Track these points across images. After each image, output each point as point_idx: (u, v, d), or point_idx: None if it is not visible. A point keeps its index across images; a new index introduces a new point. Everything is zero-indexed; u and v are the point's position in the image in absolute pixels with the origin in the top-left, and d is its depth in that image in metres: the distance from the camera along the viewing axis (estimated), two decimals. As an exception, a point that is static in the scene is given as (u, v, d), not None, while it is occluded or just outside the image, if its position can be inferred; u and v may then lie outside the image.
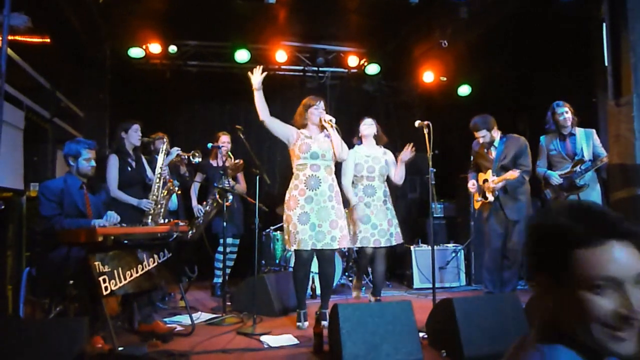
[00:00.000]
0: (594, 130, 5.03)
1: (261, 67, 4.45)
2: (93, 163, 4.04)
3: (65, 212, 3.84)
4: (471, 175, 5.35)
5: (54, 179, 4.29)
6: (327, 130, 4.48)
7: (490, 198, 5.03)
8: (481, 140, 5.09)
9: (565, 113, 4.97)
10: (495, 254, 5.02)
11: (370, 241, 4.96)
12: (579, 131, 5.01)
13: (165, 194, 4.73)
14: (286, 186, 4.54)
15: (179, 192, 5.04)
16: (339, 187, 4.64)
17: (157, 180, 4.74)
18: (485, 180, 5.13)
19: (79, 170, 3.98)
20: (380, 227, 4.99)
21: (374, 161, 5.08)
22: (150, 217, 4.61)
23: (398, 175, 5.14)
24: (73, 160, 3.98)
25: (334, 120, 4.46)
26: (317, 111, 4.50)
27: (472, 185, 5.23)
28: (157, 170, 4.78)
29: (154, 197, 4.71)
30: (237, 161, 5.86)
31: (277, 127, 4.50)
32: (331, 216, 4.38)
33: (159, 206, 4.70)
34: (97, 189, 4.23)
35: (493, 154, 5.10)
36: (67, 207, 3.86)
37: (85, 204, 3.97)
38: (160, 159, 4.83)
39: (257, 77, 4.40)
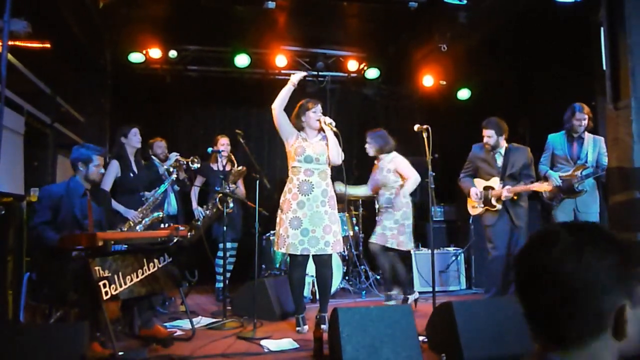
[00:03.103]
0: (602, 139, 5.02)
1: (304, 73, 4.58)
2: (102, 170, 4.09)
3: (61, 220, 3.83)
4: (468, 180, 5.31)
5: (57, 184, 4.28)
6: (325, 132, 4.45)
7: (499, 206, 5.03)
8: (485, 139, 5.09)
9: (583, 120, 4.98)
10: (501, 261, 5.00)
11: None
12: (588, 137, 5.02)
13: (150, 216, 4.73)
14: (286, 190, 4.53)
15: (161, 219, 5.05)
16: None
17: (152, 203, 4.78)
18: (489, 188, 5.11)
19: (87, 176, 3.97)
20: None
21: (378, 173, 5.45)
22: (126, 226, 4.59)
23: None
24: (83, 165, 3.96)
25: (333, 123, 4.46)
26: (316, 115, 4.46)
27: (475, 194, 5.19)
28: (158, 194, 4.82)
29: (142, 214, 4.73)
30: (239, 168, 5.86)
31: (283, 122, 4.45)
32: (324, 221, 4.36)
33: (140, 222, 4.70)
34: (101, 198, 4.23)
35: (498, 161, 5.11)
36: (63, 214, 3.84)
37: (87, 212, 3.96)
38: (162, 188, 4.89)
39: (298, 76, 4.47)
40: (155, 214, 4.70)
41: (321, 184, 4.41)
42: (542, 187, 4.89)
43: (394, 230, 5.25)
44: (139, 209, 4.77)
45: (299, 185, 4.37)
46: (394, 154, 5.43)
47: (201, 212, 5.89)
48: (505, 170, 5.05)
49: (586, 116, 4.98)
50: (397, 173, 5.35)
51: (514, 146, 5.14)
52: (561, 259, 1.00)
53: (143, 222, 4.66)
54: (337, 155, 4.44)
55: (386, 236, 5.26)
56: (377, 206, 5.49)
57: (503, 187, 4.98)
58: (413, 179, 5.29)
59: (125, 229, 4.48)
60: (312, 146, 4.42)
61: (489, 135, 5.08)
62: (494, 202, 5.04)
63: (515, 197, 4.98)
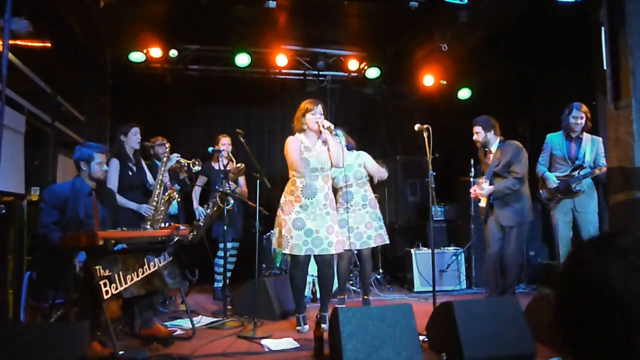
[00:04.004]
0: (600, 139, 5.02)
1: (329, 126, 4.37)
2: (105, 167, 4.08)
3: (66, 220, 3.83)
4: (475, 181, 5.36)
5: (62, 183, 4.25)
6: (325, 136, 4.40)
7: (482, 204, 5.05)
8: (474, 137, 5.10)
9: (580, 119, 4.97)
10: (494, 258, 5.00)
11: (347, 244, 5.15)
12: (587, 137, 5.02)
13: (165, 199, 4.75)
14: (286, 190, 4.52)
15: (179, 199, 5.06)
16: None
17: (158, 186, 4.77)
18: None
19: (91, 174, 3.98)
20: (357, 230, 5.14)
21: (347, 169, 5.11)
22: (149, 222, 4.62)
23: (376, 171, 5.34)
24: (85, 164, 3.96)
25: (332, 126, 4.42)
26: (315, 117, 4.38)
27: (472, 192, 5.20)
28: (159, 176, 4.81)
29: (154, 202, 4.73)
30: (239, 165, 5.86)
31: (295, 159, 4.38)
32: (327, 222, 4.35)
33: (159, 212, 4.72)
34: (106, 198, 4.23)
35: (491, 158, 5.10)
36: (69, 214, 3.85)
37: (92, 212, 3.95)
38: (162, 165, 4.86)
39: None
40: (168, 192, 4.72)
41: (324, 187, 4.41)
42: (478, 187, 5.00)
43: (383, 227, 5.27)
44: (149, 201, 4.78)
45: (302, 189, 4.35)
46: (359, 152, 5.37)
47: (202, 212, 5.89)
48: (491, 168, 5.03)
49: (583, 115, 4.97)
50: (364, 168, 5.27)
51: (505, 142, 5.05)
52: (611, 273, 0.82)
53: (159, 208, 4.69)
54: (338, 159, 4.40)
55: (382, 236, 5.23)
56: (347, 204, 5.16)
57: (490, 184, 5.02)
58: (383, 174, 5.34)
59: (149, 226, 4.51)
60: (315, 156, 4.38)
61: (476, 132, 5.08)
62: (480, 198, 5.07)
63: (497, 196, 4.94)
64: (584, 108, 5.00)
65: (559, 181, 4.98)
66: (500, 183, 4.91)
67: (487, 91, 7.35)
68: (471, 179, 5.56)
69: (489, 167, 5.06)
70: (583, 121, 4.98)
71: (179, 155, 5.08)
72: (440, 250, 6.62)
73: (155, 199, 4.75)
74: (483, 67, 7.17)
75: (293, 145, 4.40)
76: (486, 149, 5.12)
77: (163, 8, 6.12)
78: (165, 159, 4.91)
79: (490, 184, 4.98)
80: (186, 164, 5.16)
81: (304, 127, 4.44)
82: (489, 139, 5.05)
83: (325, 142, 4.44)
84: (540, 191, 5.18)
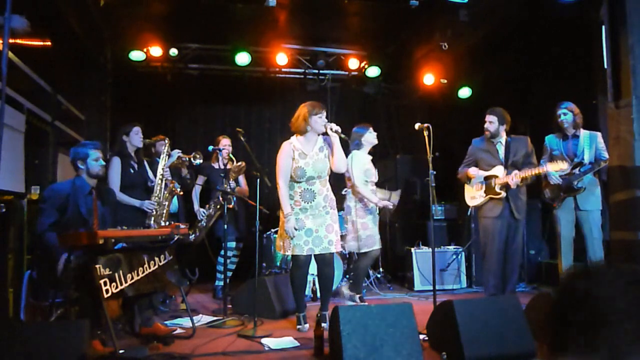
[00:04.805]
0: (599, 134, 5.01)
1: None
2: (102, 162, 4.07)
3: (67, 219, 3.83)
4: (466, 168, 5.24)
5: (62, 182, 4.25)
6: (330, 138, 4.34)
7: (503, 193, 4.95)
8: (486, 125, 5.05)
9: (564, 115, 4.98)
10: (500, 256, 4.97)
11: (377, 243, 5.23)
12: (584, 133, 5.01)
13: (167, 195, 4.76)
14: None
15: (181, 193, 5.08)
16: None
17: (159, 182, 4.79)
18: (492, 177, 5.02)
19: (89, 172, 3.98)
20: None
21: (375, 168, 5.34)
22: (152, 218, 4.65)
23: None
24: (82, 163, 3.97)
25: (340, 129, 4.36)
26: (322, 120, 4.34)
27: (478, 187, 5.13)
28: (159, 172, 4.82)
29: (157, 198, 4.75)
30: (239, 163, 5.86)
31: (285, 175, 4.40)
32: (327, 221, 4.37)
33: (161, 207, 4.74)
34: (106, 197, 4.23)
35: (500, 150, 5.07)
36: (70, 213, 3.85)
37: (92, 210, 3.95)
38: (162, 160, 4.87)
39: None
40: (169, 186, 4.75)
41: (322, 190, 4.40)
42: (555, 166, 4.79)
43: None
44: (152, 196, 4.78)
45: (302, 193, 4.35)
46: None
47: (203, 212, 5.88)
48: (508, 159, 5.01)
49: (567, 112, 4.98)
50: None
51: (514, 137, 5.12)
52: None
53: (161, 203, 4.70)
54: (342, 164, 4.41)
55: None
56: (370, 205, 5.21)
57: (508, 174, 4.91)
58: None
59: (152, 221, 4.51)
60: (311, 164, 4.34)
61: (490, 121, 5.04)
62: (498, 189, 4.96)
63: (520, 184, 4.93)
64: (571, 106, 5.01)
65: (561, 179, 4.98)
66: (529, 170, 4.89)
67: (487, 90, 7.34)
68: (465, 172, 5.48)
69: (503, 158, 5.01)
70: (569, 117, 4.98)
71: (180, 151, 5.09)
72: (441, 249, 6.62)
73: (157, 194, 4.76)
74: (483, 66, 7.17)
75: (284, 152, 4.40)
76: (493, 140, 5.09)
77: (163, 7, 6.12)
78: (165, 155, 4.92)
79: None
80: (187, 159, 5.16)
81: (307, 128, 4.37)
82: (499, 132, 5.05)
83: (323, 148, 4.43)
84: (544, 191, 5.18)
